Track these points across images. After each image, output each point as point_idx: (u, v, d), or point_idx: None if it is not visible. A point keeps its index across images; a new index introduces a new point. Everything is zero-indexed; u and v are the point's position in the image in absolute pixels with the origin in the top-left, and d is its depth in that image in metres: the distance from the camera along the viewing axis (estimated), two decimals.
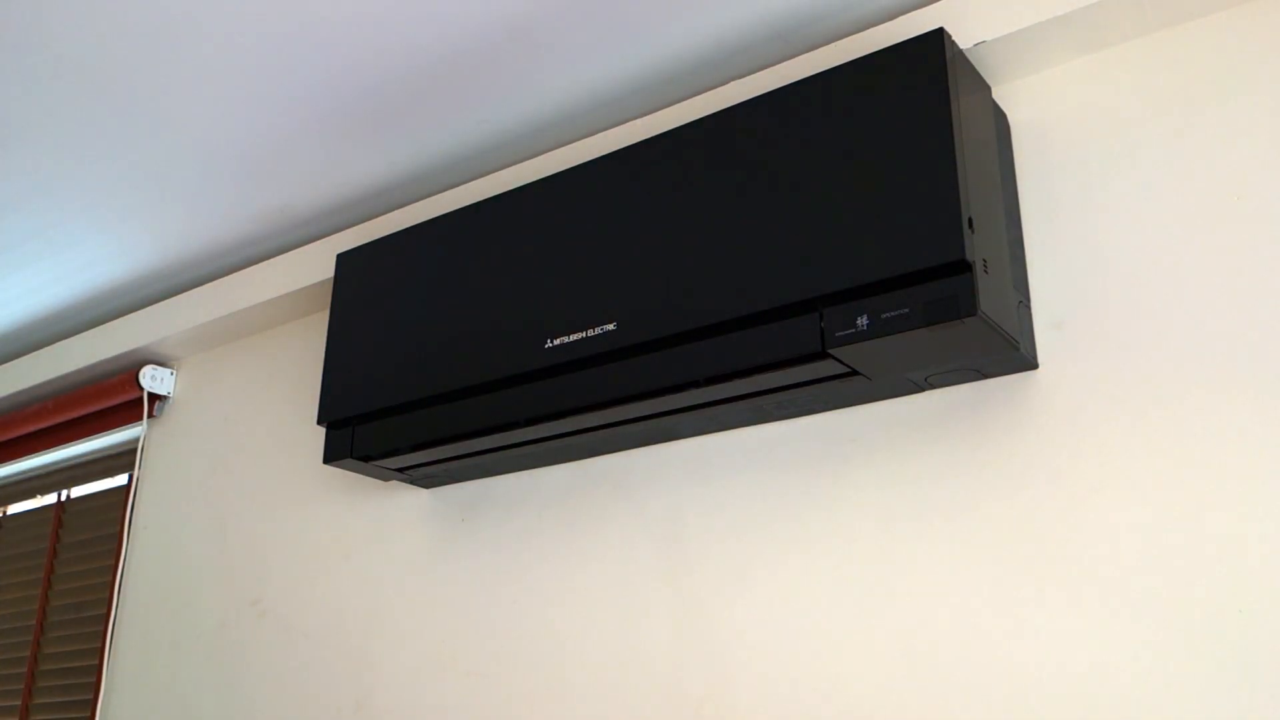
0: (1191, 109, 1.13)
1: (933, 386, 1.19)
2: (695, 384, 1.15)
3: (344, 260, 1.57)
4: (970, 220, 1.02)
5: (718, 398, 1.19)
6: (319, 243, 1.80)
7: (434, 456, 1.42)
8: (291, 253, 1.85)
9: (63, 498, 2.34)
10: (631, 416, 1.25)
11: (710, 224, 1.17)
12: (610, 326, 1.20)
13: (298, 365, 1.89)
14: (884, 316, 1.03)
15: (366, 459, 1.44)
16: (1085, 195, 1.17)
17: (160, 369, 2.09)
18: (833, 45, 1.30)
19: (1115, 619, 1.05)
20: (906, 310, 1.02)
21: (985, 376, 1.17)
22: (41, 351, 2.27)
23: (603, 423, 1.28)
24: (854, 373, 1.13)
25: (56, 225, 1.75)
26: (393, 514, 1.64)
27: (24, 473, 2.48)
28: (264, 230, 1.80)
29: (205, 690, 1.81)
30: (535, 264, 1.31)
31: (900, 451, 1.22)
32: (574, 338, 1.23)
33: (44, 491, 2.39)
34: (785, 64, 1.34)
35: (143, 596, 1.99)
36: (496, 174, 1.60)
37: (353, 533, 1.68)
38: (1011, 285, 1.12)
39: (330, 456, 1.47)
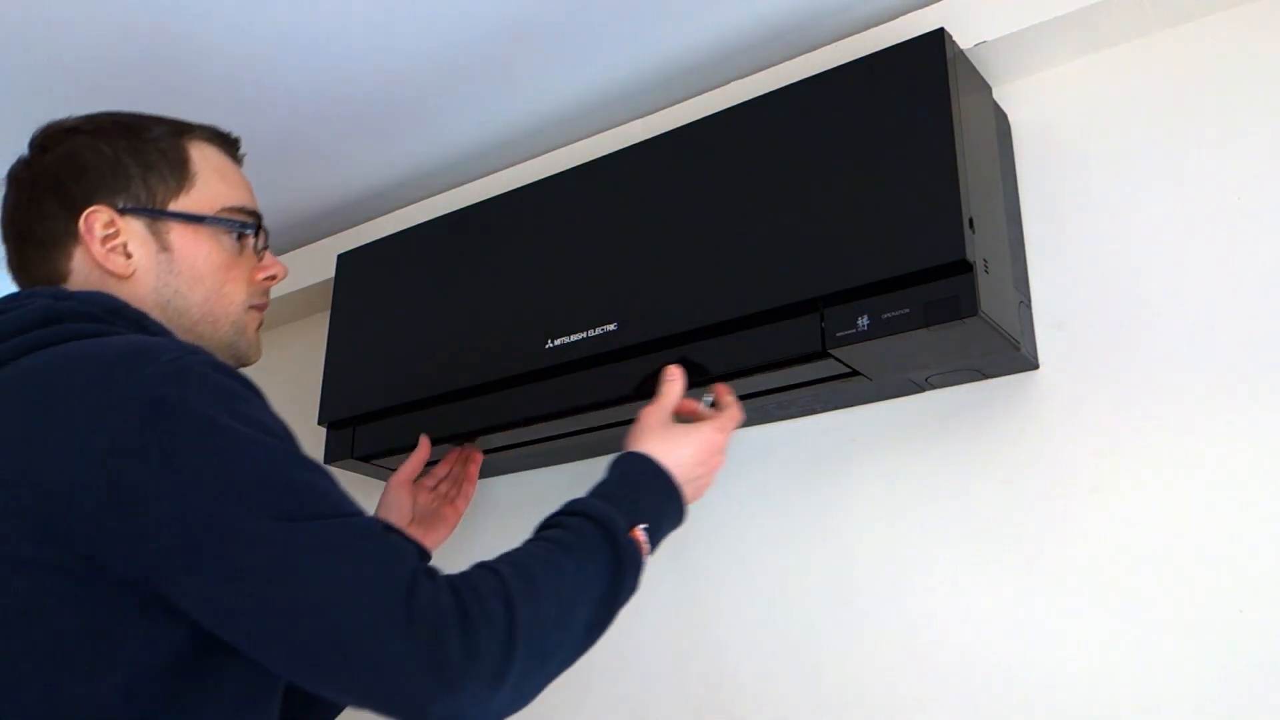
0: (1192, 109, 1.13)
1: (933, 387, 1.19)
2: (696, 384, 1.15)
3: (344, 260, 1.57)
4: (971, 220, 1.02)
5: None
6: (319, 243, 1.80)
7: (435, 457, 1.42)
8: (291, 253, 1.85)
9: None
10: (632, 416, 1.25)
11: (710, 224, 1.17)
12: (611, 327, 1.20)
13: (298, 365, 1.89)
14: (885, 317, 1.03)
15: (367, 459, 1.44)
16: (1086, 195, 1.17)
17: None
18: (833, 45, 1.30)
19: (1115, 618, 1.05)
20: (907, 310, 1.02)
21: (986, 377, 1.17)
22: None
23: (603, 423, 1.28)
24: (854, 373, 1.13)
25: None
26: None
27: None
28: None
29: None
30: (535, 264, 1.31)
31: (901, 452, 1.22)
32: (574, 338, 1.23)
33: None
34: (785, 64, 1.34)
35: None
36: (496, 174, 1.60)
37: None
38: (1012, 285, 1.12)
39: (331, 457, 1.47)
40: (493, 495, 1.54)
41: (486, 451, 1.40)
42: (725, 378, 1.13)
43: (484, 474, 1.53)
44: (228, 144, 1.05)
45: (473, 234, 1.41)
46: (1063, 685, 1.06)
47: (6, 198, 1.00)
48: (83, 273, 0.95)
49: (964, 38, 1.17)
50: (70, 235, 0.95)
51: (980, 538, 1.14)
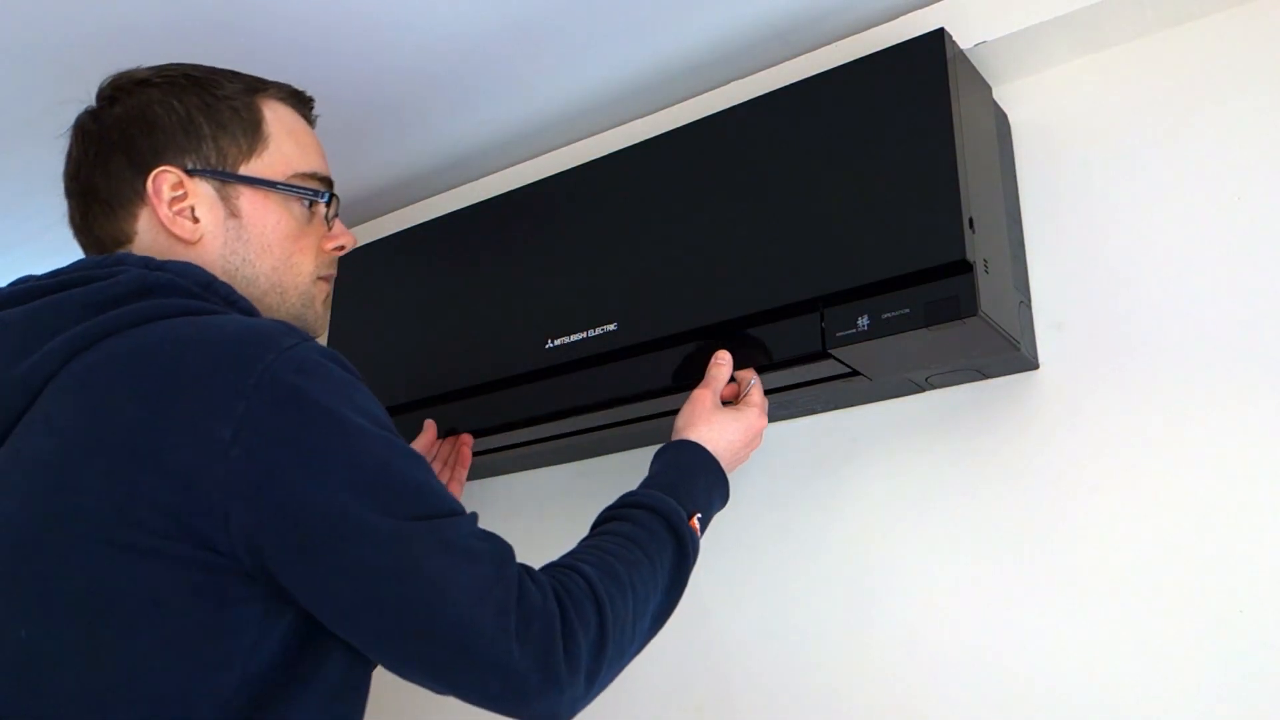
0: (1191, 109, 1.13)
1: (933, 387, 1.19)
2: (696, 384, 1.15)
3: (344, 261, 1.56)
4: (971, 220, 1.02)
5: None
6: None
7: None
8: None
9: None
10: (632, 416, 1.25)
11: (710, 224, 1.17)
12: (611, 327, 1.20)
13: None
14: (885, 316, 1.03)
15: None
16: (1086, 195, 1.17)
17: None
18: (833, 45, 1.30)
19: (1115, 619, 1.05)
20: (907, 310, 1.02)
21: (986, 377, 1.17)
22: None
23: (603, 423, 1.28)
24: (854, 373, 1.13)
25: (58, 226, 1.75)
26: None
27: None
28: None
29: None
30: (535, 264, 1.31)
31: (901, 452, 1.21)
32: (574, 338, 1.23)
33: None
34: (785, 64, 1.34)
35: None
36: (497, 174, 1.60)
37: None
38: (1012, 285, 1.12)
39: None
40: (493, 495, 1.54)
41: (487, 451, 1.40)
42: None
43: (484, 474, 1.53)
44: (302, 103, 1.00)
45: (472, 234, 1.41)
46: (1063, 684, 1.06)
47: (71, 151, 0.95)
48: (148, 235, 0.91)
49: (964, 38, 1.17)
50: (137, 195, 0.91)
51: (980, 537, 1.14)
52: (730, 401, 1.12)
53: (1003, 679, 1.09)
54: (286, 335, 0.79)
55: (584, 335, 1.22)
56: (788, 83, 1.20)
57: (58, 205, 1.49)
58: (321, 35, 1.31)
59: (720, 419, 1.06)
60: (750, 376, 1.12)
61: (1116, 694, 1.03)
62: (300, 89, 1.01)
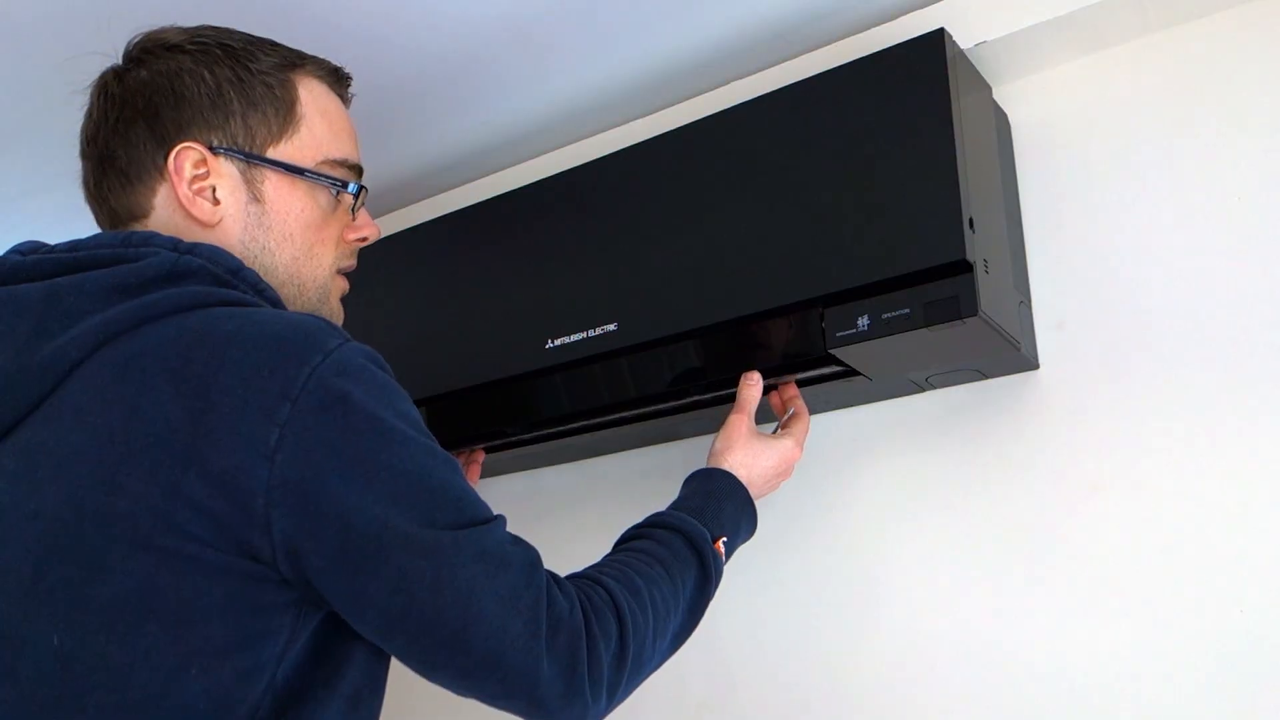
0: (1191, 109, 1.13)
1: (934, 387, 1.19)
2: (695, 384, 1.15)
3: None
4: (971, 220, 1.02)
5: (718, 397, 1.19)
6: None
7: None
8: None
9: None
10: (632, 417, 1.25)
11: (710, 224, 1.17)
12: (611, 327, 1.20)
13: None
14: (885, 317, 1.03)
15: None
16: (1086, 195, 1.17)
17: None
18: (833, 45, 1.30)
19: (1116, 618, 1.05)
20: (907, 310, 1.02)
21: (986, 377, 1.17)
22: None
23: (603, 423, 1.28)
24: (854, 373, 1.13)
25: (56, 226, 1.75)
26: None
27: None
28: None
29: None
30: (535, 264, 1.31)
31: (901, 452, 1.22)
32: (574, 338, 1.23)
33: None
34: (785, 64, 1.34)
35: None
36: (496, 174, 1.60)
37: None
38: (1012, 285, 1.12)
39: None
40: (493, 495, 1.55)
41: (487, 450, 1.40)
42: (726, 378, 1.13)
43: (484, 474, 1.53)
44: (339, 82, 0.95)
45: (472, 234, 1.41)
46: (1062, 683, 1.06)
47: (91, 111, 0.89)
48: (165, 213, 0.86)
49: (964, 38, 1.17)
50: (157, 169, 0.86)
51: (980, 537, 1.14)
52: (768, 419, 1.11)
53: (1003, 678, 1.10)
54: (331, 335, 0.76)
55: (584, 335, 1.22)
56: (788, 83, 1.19)
57: (54, 207, 1.49)
58: (318, 35, 1.31)
59: (755, 447, 1.06)
60: (801, 409, 1.13)
61: (1117, 692, 1.03)
62: (338, 66, 0.96)
